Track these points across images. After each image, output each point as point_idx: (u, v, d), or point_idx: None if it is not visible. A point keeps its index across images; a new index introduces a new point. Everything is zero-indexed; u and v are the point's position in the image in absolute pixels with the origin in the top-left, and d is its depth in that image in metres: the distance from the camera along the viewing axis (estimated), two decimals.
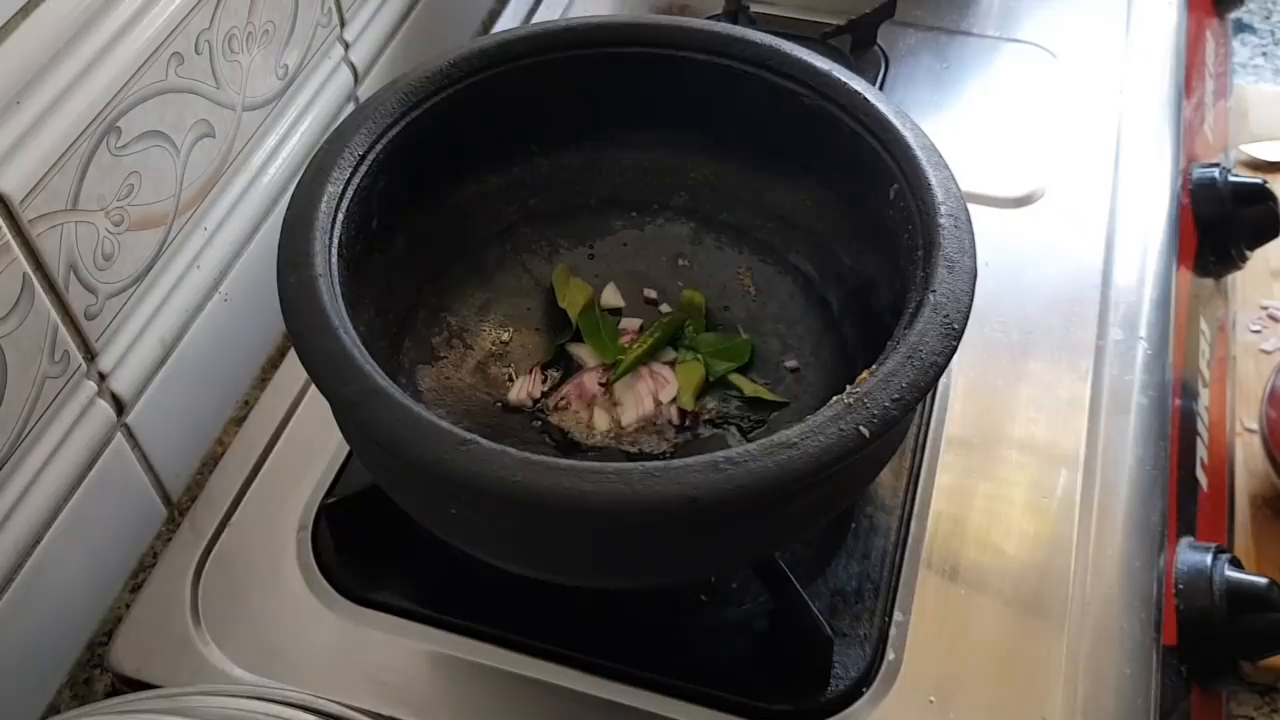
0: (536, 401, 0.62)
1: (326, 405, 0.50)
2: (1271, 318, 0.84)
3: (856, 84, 0.57)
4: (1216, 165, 0.81)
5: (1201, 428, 0.70)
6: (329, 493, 0.63)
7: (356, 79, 0.76)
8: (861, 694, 0.55)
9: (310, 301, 0.48)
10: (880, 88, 0.83)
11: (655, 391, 0.61)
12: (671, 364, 0.63)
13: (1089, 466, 0.63)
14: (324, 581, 0.60)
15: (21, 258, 0.51)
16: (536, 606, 0.58)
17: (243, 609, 0.59)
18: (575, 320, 0.64)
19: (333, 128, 0.57)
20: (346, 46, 0.74)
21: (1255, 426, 0.75)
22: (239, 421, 0.69)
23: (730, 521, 0.47)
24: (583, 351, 0.64)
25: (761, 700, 0.55)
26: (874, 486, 0.62)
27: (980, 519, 0.62)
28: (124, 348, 0.59)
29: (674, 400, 0.61)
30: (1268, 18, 1.46)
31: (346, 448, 0.64)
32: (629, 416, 0.61)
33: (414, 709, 0.55)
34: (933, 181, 0.53)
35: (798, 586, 0.56)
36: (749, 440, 0.60)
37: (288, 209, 0.52)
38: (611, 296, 0.66)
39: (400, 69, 0.73)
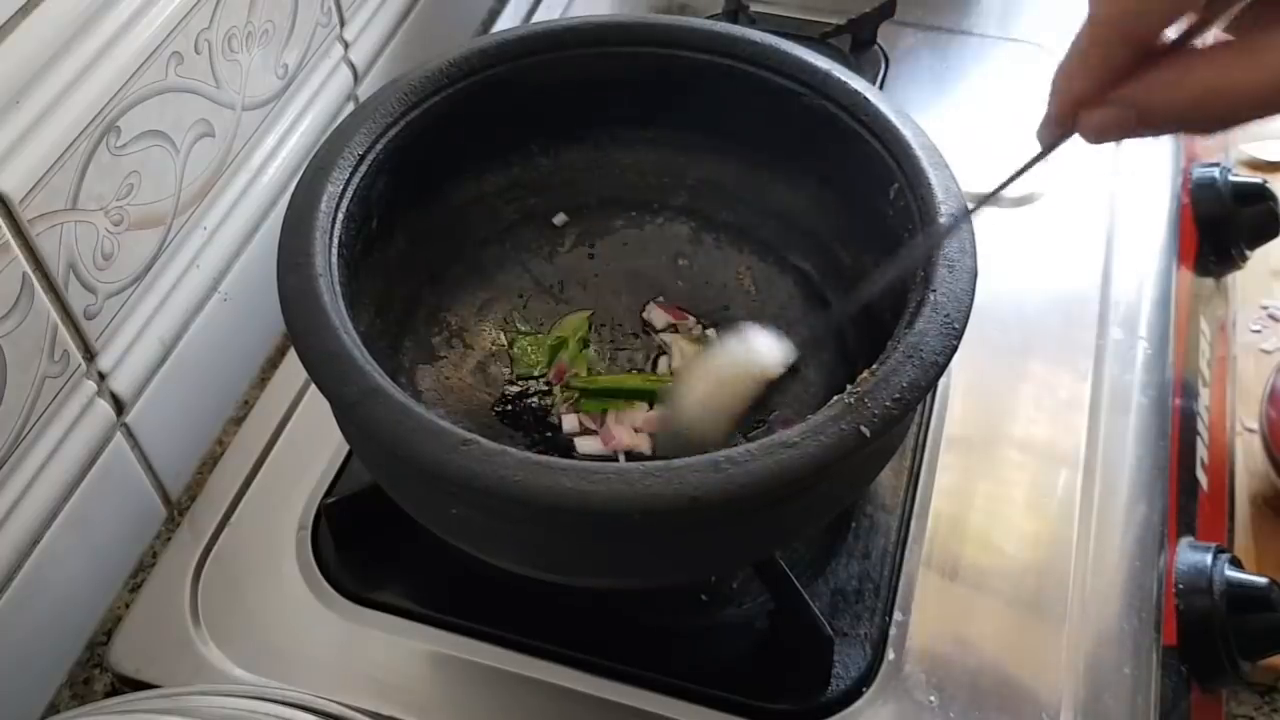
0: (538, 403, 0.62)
1: (326, 405, 0.50)
2: (1272, 318, 0.84)
3: (856, 83, 0.57)
4: (1216, 165, 0.81)
5: (1201, 427, 0.70)
6: (329, 492, 0.63)
7: (356, 78, 0.76)
8: (861, 694, 0.55)
9: (310, 301, 0.48)
10: (880, 87, 0.83)
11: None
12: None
13: (1089, 466, 0.63)
14: (324, 581, 0.60)
15: (21, 257, 0.51)
16: (537, 606, 0.58)
17: (242, 609, 0.59)
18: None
19: (333, 127, 0.57)
20: (346, 46, 0.74)
21: (1255, 426, 0.75)
22: (238, 421, 0.69)
23: (730, 521, 0.47)
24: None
25: (761, 700, 0.55)
26: (874, 486, 0.62)
27: (980, 519, 0.62)
28: (123, 347, 0.59)
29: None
30: None
31: (346, 448, 0.64)
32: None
33: (414, 709, 0.55)
34: (933, 181, 0.53)
35: (798, 586, 0.56)
36: (749, 440, 0.60)
37: (288, 209, 0.52)
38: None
39: (400, 68, 0.73)
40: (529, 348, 0.64)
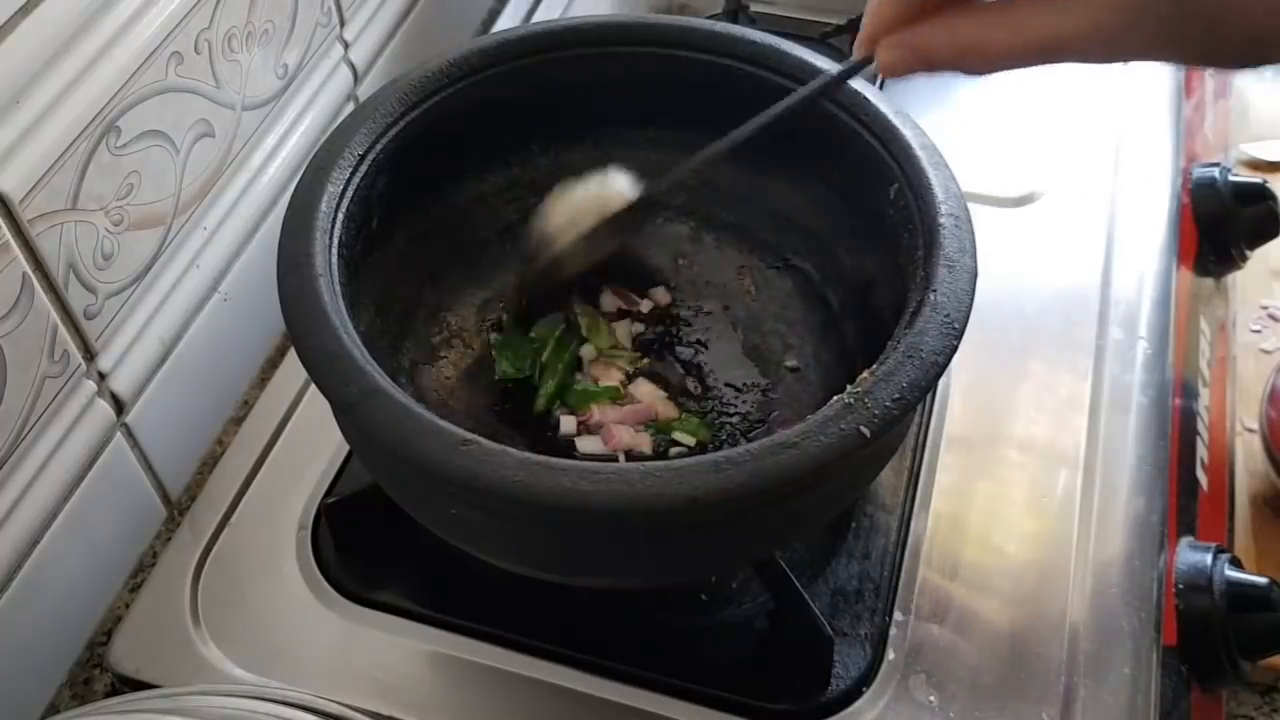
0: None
1: (326, 405, 0.50)
2: (1272, 317, 0.84)
3: (856, 83, 0.57)
4: (1216, 165, 0.81)
5: (1201, 427, 0.70)
6: (329, 492, 0.63)
7: (356, 78, 0.76)
8: (861, 694, 0.55)
9: (310, 301, 0.48)
10: (880, 87, 0.83)
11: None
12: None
13: (1089, 466, 0.63)
14: (324, 581, 0.60)
15: (21, 257, 0.51)
16: (536, 606, 0.58)
17: (243, 609, 0.59)
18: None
19: (332, 127, 0.57)
20: (346, 46, 0.74)
21: (1255, 426, 0.75)
22: (238, 421, 0.69)
23: (730, 521, 0.47)
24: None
25: (762, 700, 0.55)
26: (874, 486, 0.62)
27: (980, 519, 0.62)
28: (123, 347, 0.59)
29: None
30: None
31: (346, 448, 0.64)
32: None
33: (414, 709, 0.55)
34: (933, 181, 0.53)
35: (798, 586, 0.56)
36: (749, 440, 0.60)
37: (288, 209, 0.52)
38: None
39: (400, 68, 0.73)
40: (509, 351, 0.63)
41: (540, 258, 0.59)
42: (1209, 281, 0.81)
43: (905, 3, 0.41)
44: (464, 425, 0.45)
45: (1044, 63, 0.39)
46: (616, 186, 0.59)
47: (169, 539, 0.63)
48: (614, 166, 0.59)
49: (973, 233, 0.51)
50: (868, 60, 0.45)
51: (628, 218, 0.59)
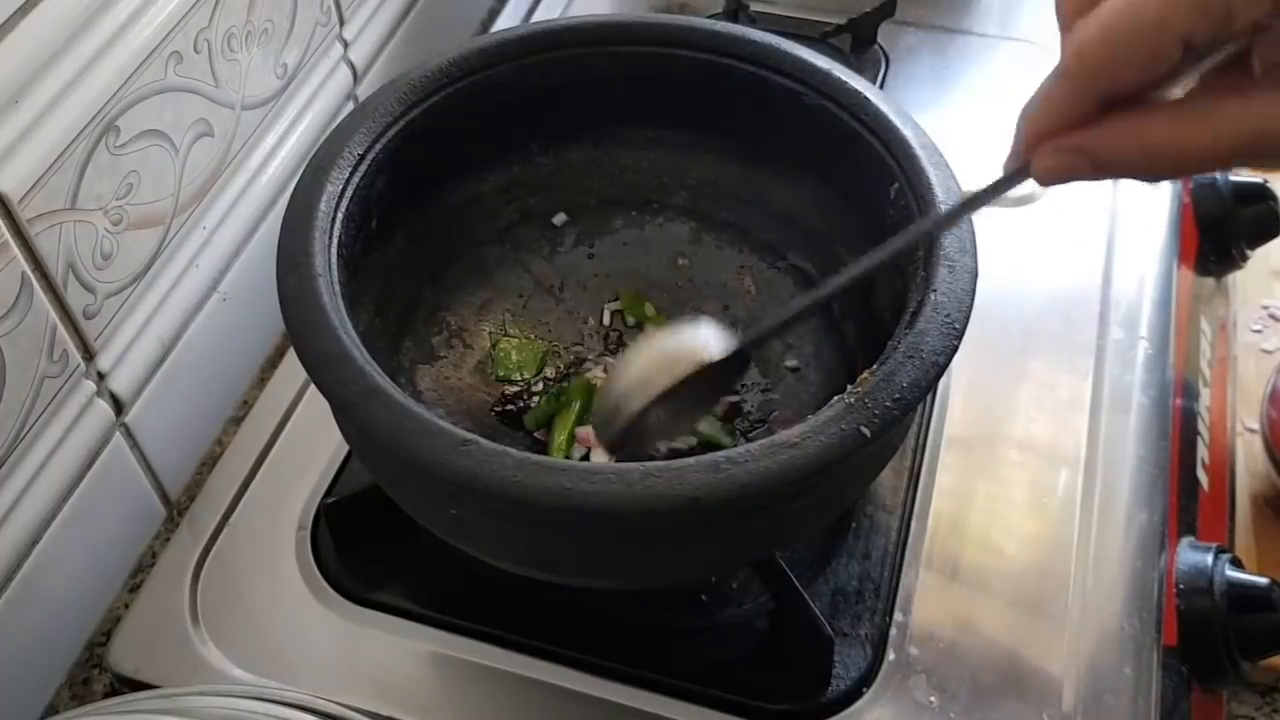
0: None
1: (326, 405, 0.50)
2: (1272, 317, 0.84)
3: (856, 83, 0.57)
4: None
5: (1202, 427, 0.70)
6: (329, 493, 0.63)
7: (355, 78, 0.76)
8: (861, 694, 0.55)
9: (310, 301, 0.48)
10: (880, 86, 0.83)
11: None
12: None
13: (1089, 466, 0.63)
14: (323, 581, 0.60)
15: (20, 257, 0.50)
16: (536, 606, 0.58)
17: (242, 609, 0.59)
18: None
19: (332, 127, 0.57)
20: (345, 45, 0.74)
21: (1256, 426, 0.75)
22: (238, 421, 0.69)
23: (731, 521, 0.47)
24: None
25: (761, 700, 0.55)
26: (875, 486, 0.62)
27: (980, 519, 0.61)
28: (123, 347, 0.59)
29: None
30: None
31: (346, 448, 0.64)
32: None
33: (414, 709, 0.55)
34: (933, 180, 0.53)
35: (798, 586, 0.56)
36: (749, 440, 0.60)
37: (287, 208, 0.52)
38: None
39: (399, 68, 0.72)
40: (512, 351, 0.63)
41: (614, 425, 0.49)
42: (1210, 281, 0.81)
43: (1082, 104, 0.35)
44: (464, 425, 0.45)
45: (1245, 164, 0.35)
46: (701, 339, 0.49)
47: (168, 539, 0.63)
48: (703, 319, 0.51)
49: (973, 233, 0.51)
50: (1022, 171, 0.38)
51: (719, 375, 0.49)
